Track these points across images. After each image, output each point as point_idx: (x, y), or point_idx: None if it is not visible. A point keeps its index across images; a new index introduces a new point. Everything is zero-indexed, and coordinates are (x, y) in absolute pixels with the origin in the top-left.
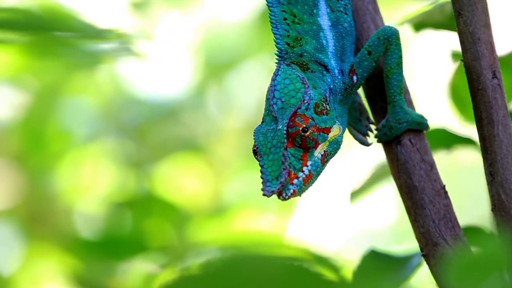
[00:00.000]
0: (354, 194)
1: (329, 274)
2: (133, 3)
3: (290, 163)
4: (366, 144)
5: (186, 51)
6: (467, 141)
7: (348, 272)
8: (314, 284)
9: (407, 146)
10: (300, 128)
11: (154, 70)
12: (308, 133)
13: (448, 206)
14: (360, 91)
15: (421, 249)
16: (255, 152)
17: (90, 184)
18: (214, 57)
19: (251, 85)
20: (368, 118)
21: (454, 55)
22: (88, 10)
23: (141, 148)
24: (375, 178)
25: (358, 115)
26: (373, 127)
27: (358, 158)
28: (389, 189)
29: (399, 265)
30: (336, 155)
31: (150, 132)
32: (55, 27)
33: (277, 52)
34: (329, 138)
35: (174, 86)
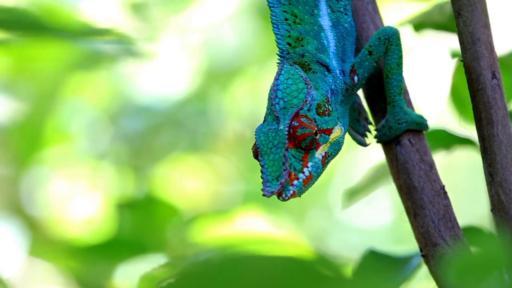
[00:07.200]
0: (350, 195)
1: (328, 273)
2: (132, 5)
3: (291, 164)
4: (364, 144)
5: (186, 53)
6: (466, 142)
7: (347, 271)
8: (314, 282)
9: (406, 146)
10: (314, 131)
11: (154, 72)
12: (318, 136)
13: (448, 206)
14: (360, 91)
15: (421, 250)
16: (255, 153)
17: (89, 186)
18: (215, 60)
19: (253, 88)
20: (366, 119)
21: (454, 55)
22: (88, 11)
23: (141, 149)
24: (372, 180)
25: (356, 115)
26: (371, 127)
27: (358, 158)
28: (387, 189)
29: (399, 266)
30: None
31: (149, 134)
32: (54, 27)
33: (278, 52)
34: (330, 140)
35: (175, 88)
